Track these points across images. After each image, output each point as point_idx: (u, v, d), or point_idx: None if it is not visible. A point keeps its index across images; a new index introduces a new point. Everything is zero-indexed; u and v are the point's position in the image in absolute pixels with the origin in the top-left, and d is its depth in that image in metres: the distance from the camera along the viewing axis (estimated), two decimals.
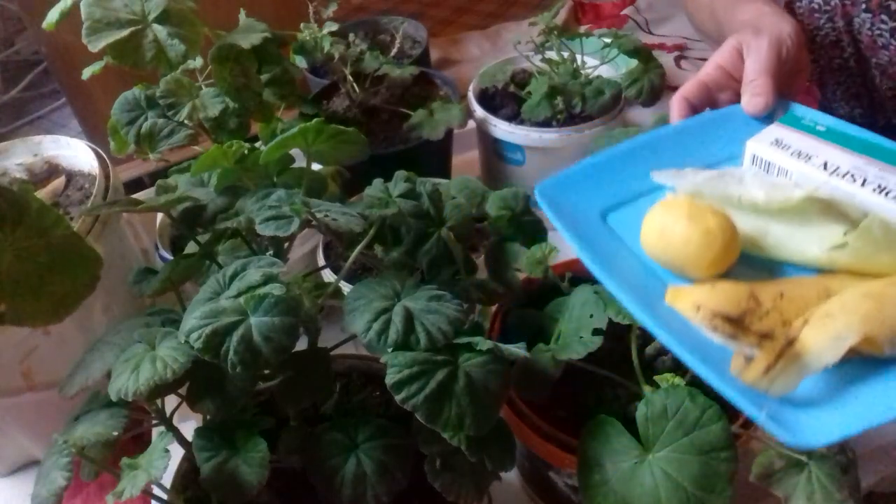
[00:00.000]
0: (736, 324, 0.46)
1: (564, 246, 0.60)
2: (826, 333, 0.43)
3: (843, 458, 0.48)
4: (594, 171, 0.60)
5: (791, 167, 0.56)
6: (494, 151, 1.06)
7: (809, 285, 0.49)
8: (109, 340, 0.54)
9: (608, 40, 0.99)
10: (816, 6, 0.76)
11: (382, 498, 0.50)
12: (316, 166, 0.69)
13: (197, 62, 0.85)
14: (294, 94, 0.90)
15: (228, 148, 0.59)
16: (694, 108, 0.65)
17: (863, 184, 0.52)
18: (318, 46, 1.05)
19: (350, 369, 0.67)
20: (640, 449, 0.50)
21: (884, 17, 0.69)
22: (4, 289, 0.46)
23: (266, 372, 0.52)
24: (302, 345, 0.50)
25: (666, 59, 1.44)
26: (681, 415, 0.49)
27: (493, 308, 0.68)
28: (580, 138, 0.97)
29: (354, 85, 1.07)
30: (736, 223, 0.52)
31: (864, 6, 0.70)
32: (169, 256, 0.89)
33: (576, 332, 0.57)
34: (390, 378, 0.45)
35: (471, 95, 1.07)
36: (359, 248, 0.56)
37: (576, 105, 0.99)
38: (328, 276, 0.81)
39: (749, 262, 0.52)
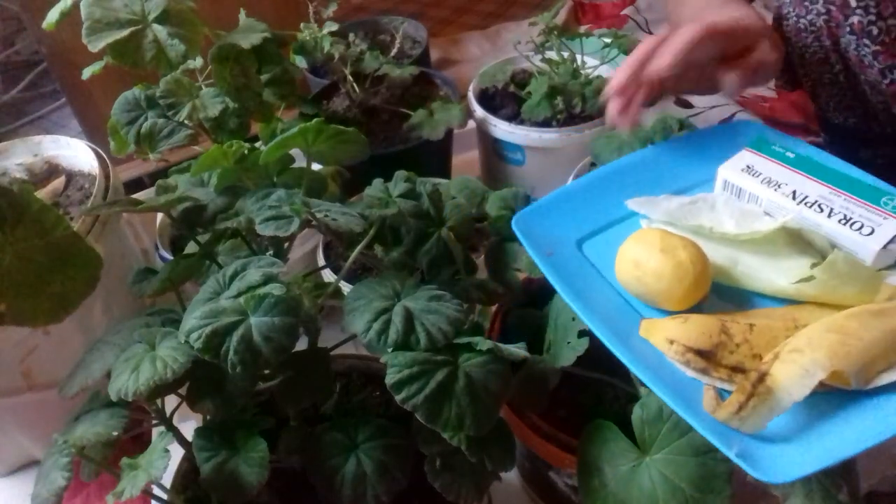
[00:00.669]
0: (708, 358, 0.47)
1: None
2: (795, 369, 0.44)
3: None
4: (569, 199, 0.61)
5: (761, 194, 0.57)
6: (494, 151, 1.06)
7: (778, 316, 0.50)
8: (109, 340, 0.54)
9: (608, 40, 0.99)
10: (803, 26, 0.76)
11: (382, 498, 0.50)
12: (316, 166, 0.69)
13: (197, 62, 0.85)
14: (294, 94, 0.90)
15: (228, 148, 0.59)
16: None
17: (829, 214, 0.54)
18: (318, 46, 1.05)
19: (350, 369, 0.67)
20: (638, 452, 0.50)
21: (866, 40, 0.69)
22: (4, 289, 0.46)
23: (266, 372, 0.52)
24: (302, 345, 0.50)
25: None
26: (676, 416, 0.49)
27: (493, 308, 0.69)
28: (580, 138, 0.97)
29: (354, 85, 1.07)
30: (707, 253, 0.53)
31: (848, 28, 0.70)
32: (169, 256, 0.89)
33: (563, 339, 0.56)
34: (390, 378, 0.45)
35: (471, 95, 1.07)
36: (359, 248, 0.56)
37: (576, 105, 0.99)
38: (328, 276, 0.81)
39: (719, 293, 0.54)
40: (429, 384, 0.46)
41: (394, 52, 1.19)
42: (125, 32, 0.68)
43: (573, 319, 0.56)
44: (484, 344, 0.48)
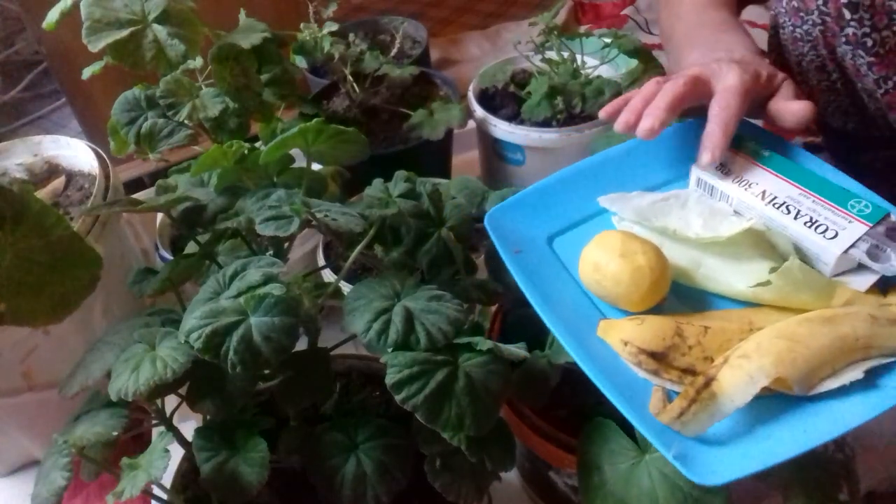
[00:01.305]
0: (659, 360, 0.48)
1: None
2: (740, 375, 0.45)
3: (843, 456, 0.48)
4: (543, 195, 0.61)
5: (732, 193, 0.57)
6: (494, 151, 1.06)
7: (735, 319, 0.51)
8: (109, 340, 0.54)
9: (608, 40, 0.99)
10: (799, 35, 0.76)
11: (382, 498, 0.50)
12: (316, 166, 0.69)
13: (197, 62, 0.85)
14: (294, 94, 0.90)
15: (228, 148, 0.59)
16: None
17: (796, 216, 0.54)
18: (318, 46, 1.05)
19: (350, 369, 0.67)
20: (637, 450, 0.50)
21: (861, 51, 0.69)
22: (4, 289, 0.46)
23: (266, 372, 0.52)
24: (302, 345, 0.50)
25: (665, 59, 1.44)
26: None
27: (493, 308, 0.68)
28: (580, 138, 0.97)
29: (354, 85, 1.07)
30: (671, 254, 0.54)
31: (843, 39, 0.70)
32: (169, 256, 0.89)
33: None
34: (390, 378, 0.45)
35: (471, 95, 1.07)
36: (359, 248, 0.56)
37: (576, 105, 0.99)
38: (328, 276, 0.81)
39: (680, 294, 0.54)
40: (429, 384, 0.46)
41: (394, 52, 1.19)
42: (125, 32, 0.68)
43: None
44: (484, 344, 0.48)
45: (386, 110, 1.08)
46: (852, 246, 0.51)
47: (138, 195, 1.00)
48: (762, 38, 0.94)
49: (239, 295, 0.47)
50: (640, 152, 0.63)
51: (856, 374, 0.45)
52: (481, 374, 0.48)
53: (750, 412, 0.46)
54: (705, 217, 0.56)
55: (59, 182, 0.86)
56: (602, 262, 0.52)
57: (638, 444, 0.50)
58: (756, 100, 0.62)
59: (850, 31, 0.69)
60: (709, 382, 0.45)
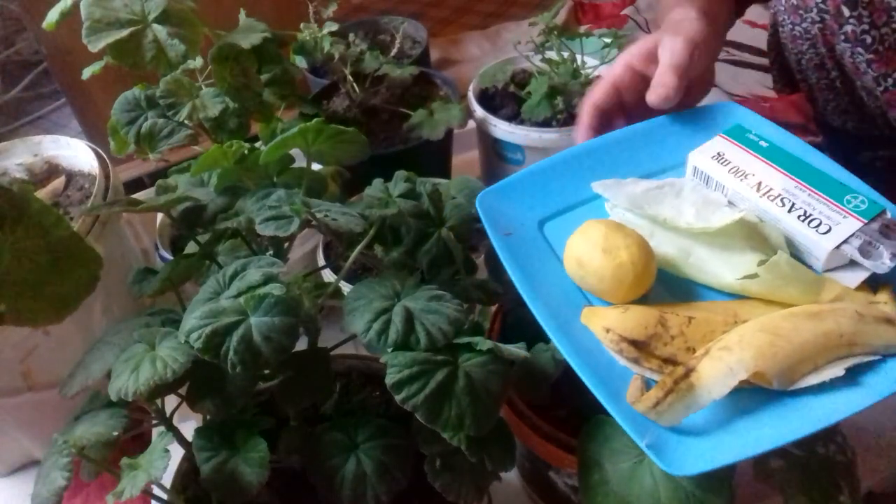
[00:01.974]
0: (640, 348, 0.48)
1: None
2: (720, 367, 0.45)
3: (843, 457, 0.48)
4: (536, 178, 0.61)
5: (727, 183, 0.57)
6: (494, 151, 1.06)
7: (720, 310, 0.51)
8: (109, 340, 0.54)
9: (608, 40, 0.99)
10: (798, 34, 0.76)
11: (382, 498, 0.50)
12: (316, 166, 0.69)
13: (197, 62, 0.85)
14: (294, 94, 0.90)
15: (228, 148, 0.59)
16: (604, 113, 0.65)
17: (790, 209, 0.53)
18: (318, 46, 1.05)
19: (350, 369, 0.67)
20: (639, 449, 0.50)
21: (860, 49, 0.69)
22: (4, 289, 0.46)
23: (266, 372, 0.52)
24: (302, 345, 0.50)
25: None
26: None
27: (493, 308, 0.68)
28: None
29: (354, 85, 1.07)
30: (661, 242, 0.54)
31: (842, 37, 0.70)
32: (169, 256, 0.89)
33: None
34: (390, 378, 0.45)
35: (471, 95, 1.07)
36: (359, 248, 0.56)
37: (576, 105, 0.99)
38: (328, 276, 0.81)
39: (668, 283, 0.54)
40: (429, 384, 0.46)
41: (394, 52, 1.19)
42: (125, 32, 0.68)
43: None
44: (484, 344, 0.48)
45: (386, 110, 1.08)
46: (845, 242, 0.50)
47: (138, 195, 1.00)
48: (762, 38, 0.94)
49: (239, 295, 0.47)
50: (637, 139, 0.63)
51: (837, 370, 0.45)
52: (481, 374, 0.48)
53: (728, 404, 0.45)
54: (698, 206, 0.55)
55: (59, 182, 0.86)
56: (585, 257, 0.52)
57: None
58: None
59: (848, 28, 0.69)
60: (688, 373, 0.45)
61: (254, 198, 0.56)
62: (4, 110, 1.79)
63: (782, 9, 0.77)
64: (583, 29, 1.54)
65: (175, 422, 0.54)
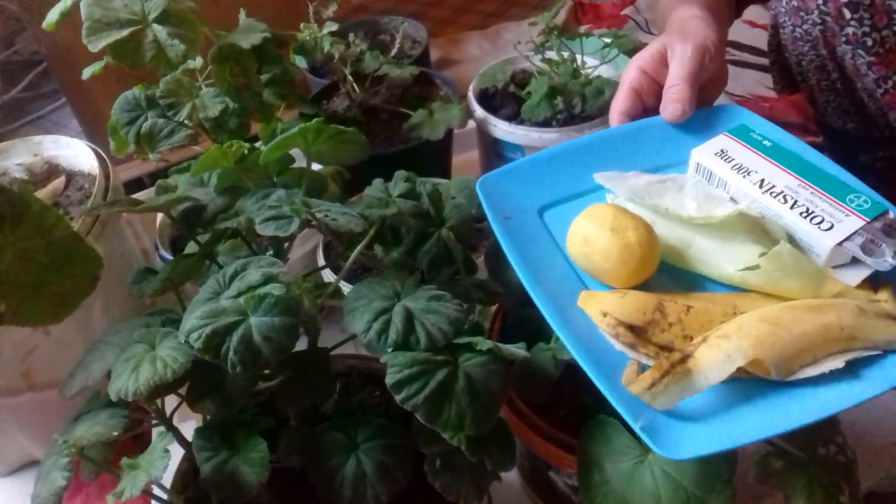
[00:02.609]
0: (637, 333, 0.48)
1: None
2: (717, 354, 0.44)
3: (843, 458, 0.48)
4: (539, 166, 0.61)
5: (730, 180, 0.57)
6: (494, 151, 1.06)
7: (718, 301, 0.51)
8: (109, 340, 0.54)
9: (608, 40, 0.99)
10: (799, 35, 0.76)
11: (382, 498, 0.50)
12: (316, 166, 0.69)
13: (197, 62, 0.85)
14: (294, 94, 0.90)
15: (228, 148, 0.59)
16: (632, 119, 0.65)
17: (792, 206, 0.53)
18: (318, 46, 1.04)
19: (350, 369, 0.67)
20: (640, 449, 0.50)
21: (860, 51, 0.69)
22: (4, 289, 0.46)
23: (266, 372, 0.52)
24: (302, 345, 0.50)
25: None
26: None
27: (493, 308, 0.68)
28: None
29: (354, 85, 1.07)
30: (663, 233, 0.54)
31: (844, 39, 0.70)
32: (169, 256, 0.89)
33: None
34: (390, 378, 0.45)
35: (471, 95, 1.07)
36: (359, 248, 0.56)
37: (576, 105, 0.99)
38: (328, 276, 0.81)
39: (669, 273, 0.54)
40: (429, 384, 0.46)
41: (394, 52, 1.19)
42: (125, 32, 0.68)
43: None
44: (484, 344, 0.48)
45: (386, 110, 1.08)
46: (847, 239, 0.50)
47: (138, 195, 1.00)
48: (762, 38, 0.94)
49: (239, 295, 0.47)
50: (640, 134, 0.64)
51: (837, 363, 0.45)
52: (481, 374, 0.48)
53: (725, 392, 0.45)
54: (700, 200, 0.55)
55: (59, 182, 0.86)
56: (591, 235, 0.51)
57: (641, 442, 0.50)
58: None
59: (850, 30, 0.69)
60: (685, 358, 0.45)
61: (254, 198, 0.56)
62: (4, 110, 1.79)
63: (783, 10, 0.77)
64: (583, 29, 1.54)
65: (175, 422, 0.54)
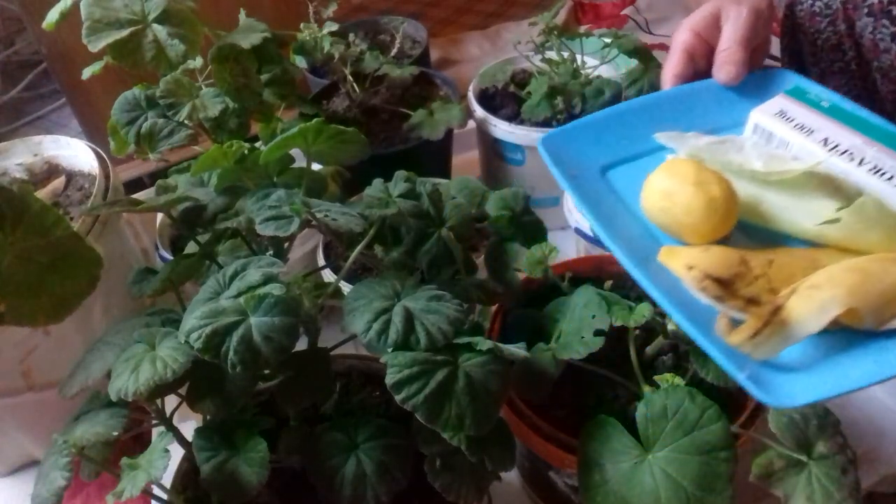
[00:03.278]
0: (725, 286, 0.47)
1: (564, 246, 0.60)
2: (812, 304, 0.44)
3: (843, 458, 0.48)
4: (598, 126, 0.61)
5: (792, 139, 0.56)
6: (494, 151, 1.06)
7: (799, 256, 0.51)
8: (109, 340, 0.54)
9: (608, 40, 0.99)
10: (818, 9, 0.75)
11: (382, 498, 0.50)
12: (316, 166, 0.69)
13: (197, 62, 0.85)
14: (294, 94, 0.90)
15: (228, 148, 0.59)
16: (684, 81, 0.65)
17: (860, 163, 0.53)
18: (318, 46, 1.04)
19: (350, 369, 0.67)
20: (640, 449, 0.50)
21: (885, 21, 0.69)
22: (4, 289, 0.46)
23: (266, 372, 0.52)
24: (302, 345, 0.50)
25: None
26: (680, 415, 0.49)
27: (493, 308, 0.68)
28: None
29: (354, 85, 1.07)
30: (735, 190, 0.53)
31: (866, 10, 0.70)
32: (169, 256, 0.89)
33: (577, 332, 0.57)
34: (390, 378, 0.45)
35: (471, 95, 1.07)
36: (359, 248, 0.56)
37: (576, 105, 0.99)
38: (328, 276, 0.81)
39: (743, 229, 0.54)
40: (429, 384, 0.46)
41: (394, 52, 1.19)
42: (125, 32, 0.68)
43: (593, 317, 0.56)
44: (484, 344, 0.48)
45: (386, 110, 1.08)
46: None
47: (138, 195, 1.00)
48: None
49: (239, 295, 0.47)
50: (697, 95, 0.64)
51: None
52: (481, 374, 0.48)
53: (817, 343, 0.46)
54: (765, 160, 0.55)
55: (59, 182, 0.86)
56: (673, 189, 0.51)
57: (641, 442, 0.50)
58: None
59: (874, 0, 0.68)
60: (778, 309, 0.45)
61: (254, 198, 0.56)
62: (4, 110, 1.79)
63: None
64: (583, 29, 1.54)
65: (175, 422, 0.54)
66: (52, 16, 0.73)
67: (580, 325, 0.57)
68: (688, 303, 0.48)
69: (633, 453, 0.50)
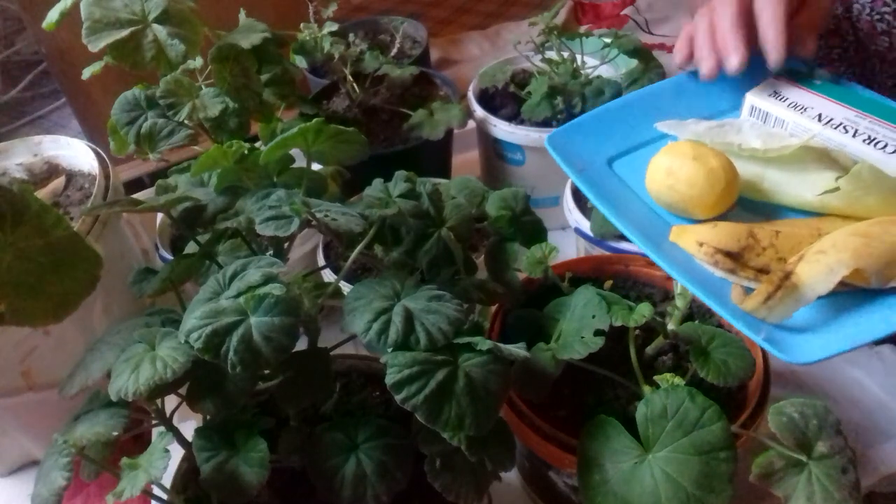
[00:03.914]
0: (735, 259, 0.51)
1: (564, 246, 0.60)
2: (819, 267, 0.47)
3: (843, 458, 0.48)
4: (600, 120, 0.64)
5: (787, 118, 0.59)
6: (494, 151, 1.06)
7: (803, 226, 0.53)
8: (109, 340, 0.54)
9: (608, 40, 0.99)
10: None
11: (382, 498, 0.50)
12: (316, 166, 0.69)
13: (197, 62, 0.85)
14: (294, 94, 0.90)
15: (228, 148, 0.59)
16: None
17: (854, 135, 0.56)
18: (318, 46, 1.05)
19: (350, 369, 0.67)
20: (640, 449, 0.50)
21: (887, 0, 0.69)
22: (4, 289, 0.46)
23: (266, 372, 0.52)
24: (302, 345, 0.50)
25: (666, 59, 1.43)
26: (681, 415, 0.49)
27: (493, 308, 0.68)
28: None
29: (354, 85, 1.07)
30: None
31: None
32: (169, 256, 0.89)
33: (577, 332, 0.57)
34: (390, 378, 0.45)
35: (471, 95, 1.07)
36: (359, 248, 0.56)
37: (576, 105, 0.99)
38: (328, 276, 0.81)
39: (746, 206, 0.57)
40: (429, 384, 0.46)
41: (394, 52, 1.19)
42: (125, 32, 0.68)
43: (593, 317, 0.57)
44: (484, 344, 0.48)
45: (386, 110, 1.08)
46: None
47: (138, 195, 1.00)
48: None
49: (239, 295, 0.47)
50: (691, 85, 0.66)
51: None
52: (481, 374, 0.48)
53: (827, 304, 0.48)
54: (763, 138, 0.57)
55: (59, 182, 0.86)
56: (675, 166, 0.54)
57: (641, 442, 0.50)
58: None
59: None
60: (788, 275, 0.47)
61: (254, 198, 0.56)
62: (4, 110, 1.79)
63: None
64: (583, 29, 1.54)
65: (175, 422, 0.54)
66: (52, 16, 0.73)
67: (580, 325, 0.57)
68: (703, 277, 0.51)
69: (633, 453, 0.50)
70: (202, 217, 0.59)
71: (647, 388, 0.55)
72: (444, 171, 1.12)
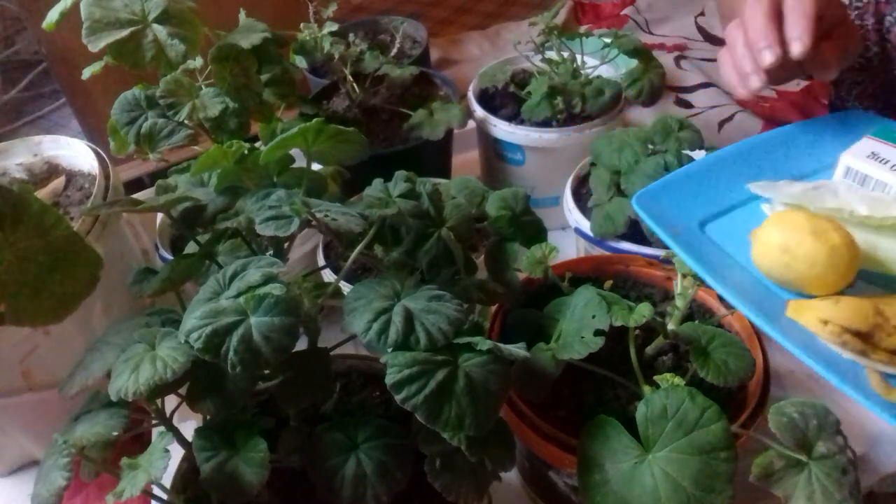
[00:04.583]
0: (865, 339, 0.46)
1: (564, 246, 0.59)
2: None
3: (843, 458, 0.48)
4: (688, 180, 0.62)
5: (889, 181, 0.56)
6: (494, 151, 1.06)
7: None
8: (109, 340, 0.54)
9: (608, 40, 0.99)
10: (848, 1, 0.75)
11: (382, 498, 0.50)
12: (316, 166, 0.69)
13: (197, 62, 0.85)
14: (294, 94, 0.90)
15: (228, 148, 0.59)
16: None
17: None
18: (318, 46, 1.05)
19: (350, 369, 0.67)
20: (640, 449, 0.50)
21: None
22: (4, 289, 0.46)
23: (266, 372, 0.52)
24: (302, 345, 0.50)
25: (666, 59, 1.44)
26: (681, 415, 0.49)
27: (493, 308, 0.68)
28: (580, 138, 0.97)
29: (354, 85, 1.07)
30: None
31: None
32: (169, 256, 0.89)
33: (577, 332, 0.57)
34: (390, 378, 0.45)
35: (471, 95, 1.07)
36: (359, 248, 0.56)
37: (576, 105, 0.99)
38: (328, 276, 0.81)
39: (864, 276, 0.53)
40: (429, 384, 0.46)
41: (394, 52, 1.19)
42: (125, 32, 0.68)
43: (593, 317, 0.56)
44: (484, 344, 0.48)
45: (386, 110, 1.08)
46: None
47: (138, 195, 1.00)
48: None
49: (239, 295, 0.47)
50: (780, 142, 0.64)
51: None
52: (481, 374, 0.48)
53: None
54: (868, 203, 0.54)
55: (59, 182, 0.86)
56: (791, 242, 0.50)
57: (641, 442, 0.50)
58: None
59: None
60: None
61: (254, 198, 0.56)
62: (4, 110, 1.79)
63: None
64: (583, 29, 1.55)
65: (175, 422, 0.54)
66: (52, 16, 0.73)
67: (580, 325, 0.57)
68: (830, 357, 0.47)
69: (633, 453, 0.50)
70: (202, 217, 0.59)
71: (647, 388, 0.55)
72: (444, 171, 1.12)
